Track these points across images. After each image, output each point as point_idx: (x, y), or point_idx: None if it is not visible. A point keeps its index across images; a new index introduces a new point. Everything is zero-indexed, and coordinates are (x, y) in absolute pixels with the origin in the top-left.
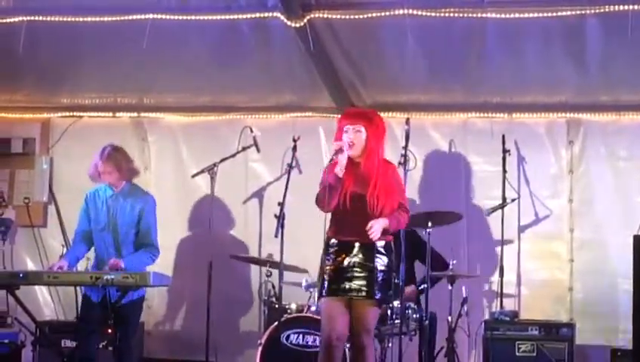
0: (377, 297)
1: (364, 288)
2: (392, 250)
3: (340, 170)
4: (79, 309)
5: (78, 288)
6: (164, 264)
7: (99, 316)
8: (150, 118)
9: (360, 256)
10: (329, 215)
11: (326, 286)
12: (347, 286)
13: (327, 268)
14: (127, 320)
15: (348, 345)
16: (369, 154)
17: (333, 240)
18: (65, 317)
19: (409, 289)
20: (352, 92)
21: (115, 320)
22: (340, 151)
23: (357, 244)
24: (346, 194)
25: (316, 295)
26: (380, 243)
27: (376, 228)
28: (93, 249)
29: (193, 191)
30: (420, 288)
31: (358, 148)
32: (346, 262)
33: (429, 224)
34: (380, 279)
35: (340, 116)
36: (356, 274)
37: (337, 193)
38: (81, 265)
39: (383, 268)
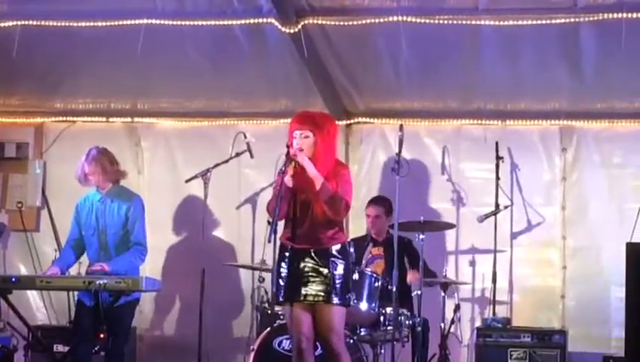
0: (335, 302)
1: (321, 293)
2: (349, 252)
3: (288, 180)
4: (73, 314)
5: (71, 293)
6: (156, 268)
7: (92, 320)
8: (144, 123)
9: (315, 261)
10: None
11: (283, 292)
12: (304, 292)
13: (282, 274)
14: (119, 324)
15: None
16: (317, 160)
17: (287, 247)
18: (57, 322)
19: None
20: (346, 98)
21: (107, 324)
22: (293, 159)
23: (312, 250)
24: (295, 201)
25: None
26: (336, 247)
27: (298, 152)
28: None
29: (186, 197)
30: (412, 294)
31: (309, 152)
32: (301, 269)
33: (422, 233)
34: (337, 283)
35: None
36: (312, 280)
37: (287, 201)
38: (73, 271)
39: (339, 272)
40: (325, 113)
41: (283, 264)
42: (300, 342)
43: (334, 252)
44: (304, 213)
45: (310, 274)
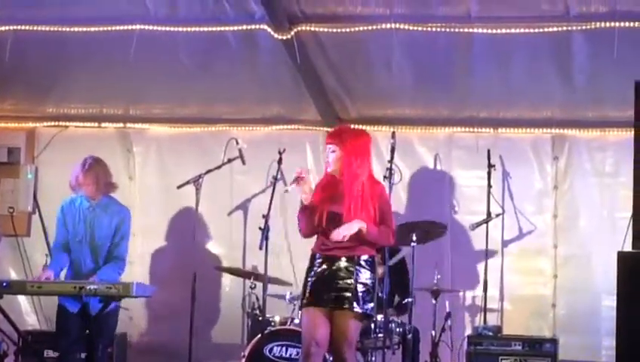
0: (356, 309)
1: (343, 300)
2: (376, 264)
3: (304, 198)
4: (56, 320)
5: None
6: (147, 275)
7: (78, 327)
8: (136, 128)
9: (343, 268)
10: None
11: (307, 295)
12: (327, 297)
13: (309, 279)
14: (108, 329)
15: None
16: (345, 172)
17: (317, 255)
18: (47, 327)
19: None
20: (339, 105)
21: (96, 329)
22: (299, 178)
23: (341, 258)
24: (322, 212)
25: (298, 307)
26: (364, 257)
27: (342, 230)
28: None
29: (178, 203)
30: (403, 302)
31: (336, 167)
32: (328, 274)
33: (414, 236)
34: (360, 292)
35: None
36: (337, 286)
37: (309, 218)
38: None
39: (364, 281)
40: (356, 128)
41: (311, 271)
42: (309, 347)
43: (362, 261)
44: (335, 224)
45: (335, 281)
